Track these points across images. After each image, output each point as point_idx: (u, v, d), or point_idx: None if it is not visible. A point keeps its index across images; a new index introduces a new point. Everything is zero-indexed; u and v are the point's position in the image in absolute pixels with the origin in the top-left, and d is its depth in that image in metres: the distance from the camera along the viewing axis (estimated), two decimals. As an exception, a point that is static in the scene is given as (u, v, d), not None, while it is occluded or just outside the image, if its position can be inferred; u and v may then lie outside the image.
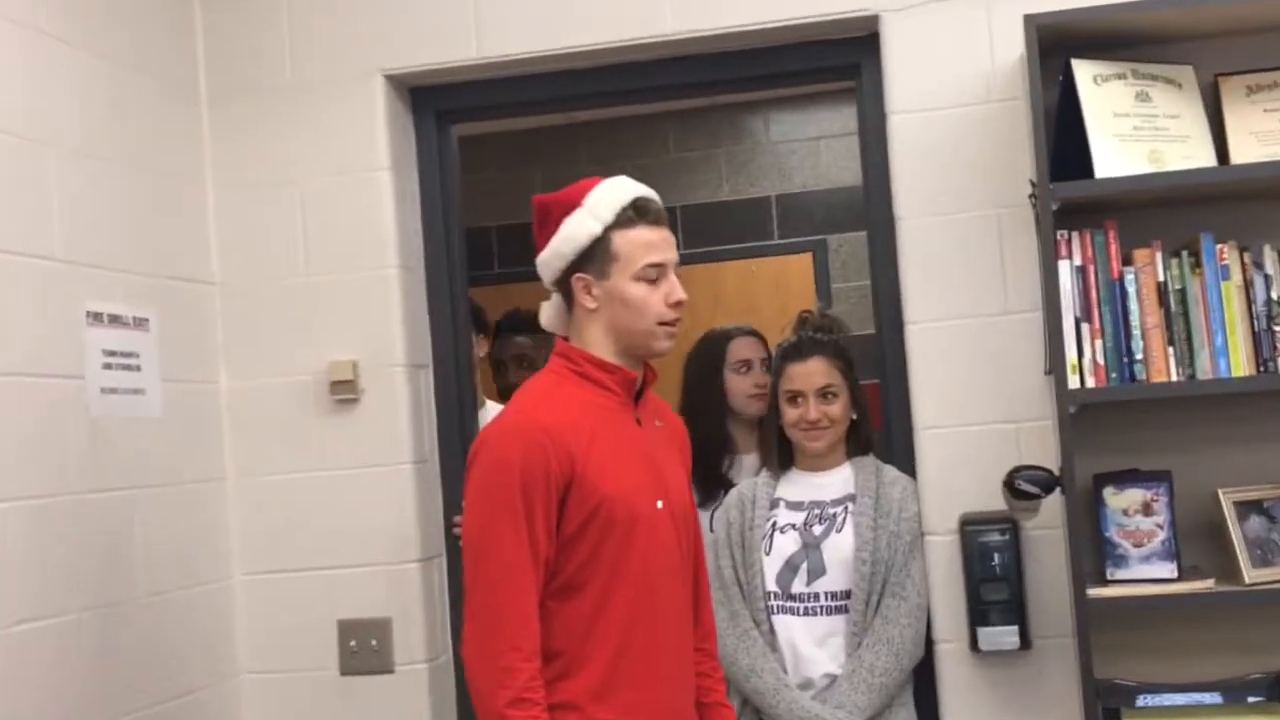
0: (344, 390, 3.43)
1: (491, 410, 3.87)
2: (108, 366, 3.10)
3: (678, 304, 2.63)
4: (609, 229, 2.59)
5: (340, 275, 3.47)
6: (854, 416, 3.33)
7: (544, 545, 2.48)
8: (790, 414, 3.32)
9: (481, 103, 3.62)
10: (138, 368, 3.19)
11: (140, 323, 3.22)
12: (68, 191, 3.03)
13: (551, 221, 2.64)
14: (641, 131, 6.46)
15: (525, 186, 6.61)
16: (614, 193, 2.64)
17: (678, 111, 6.46)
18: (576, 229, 2.60)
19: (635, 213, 2.61)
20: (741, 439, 3.91)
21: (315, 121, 3.49)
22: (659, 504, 2.61)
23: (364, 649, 3.42)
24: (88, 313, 3.05)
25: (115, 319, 3.14)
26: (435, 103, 3.60)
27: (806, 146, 6.58)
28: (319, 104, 3.49)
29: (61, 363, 2.97)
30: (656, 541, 2.59)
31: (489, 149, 6.00)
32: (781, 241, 6.50)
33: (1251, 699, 2.99)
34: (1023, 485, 2.94)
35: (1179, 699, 3.02)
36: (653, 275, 2.60)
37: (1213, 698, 3.00)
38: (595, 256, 2.59)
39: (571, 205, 2.63)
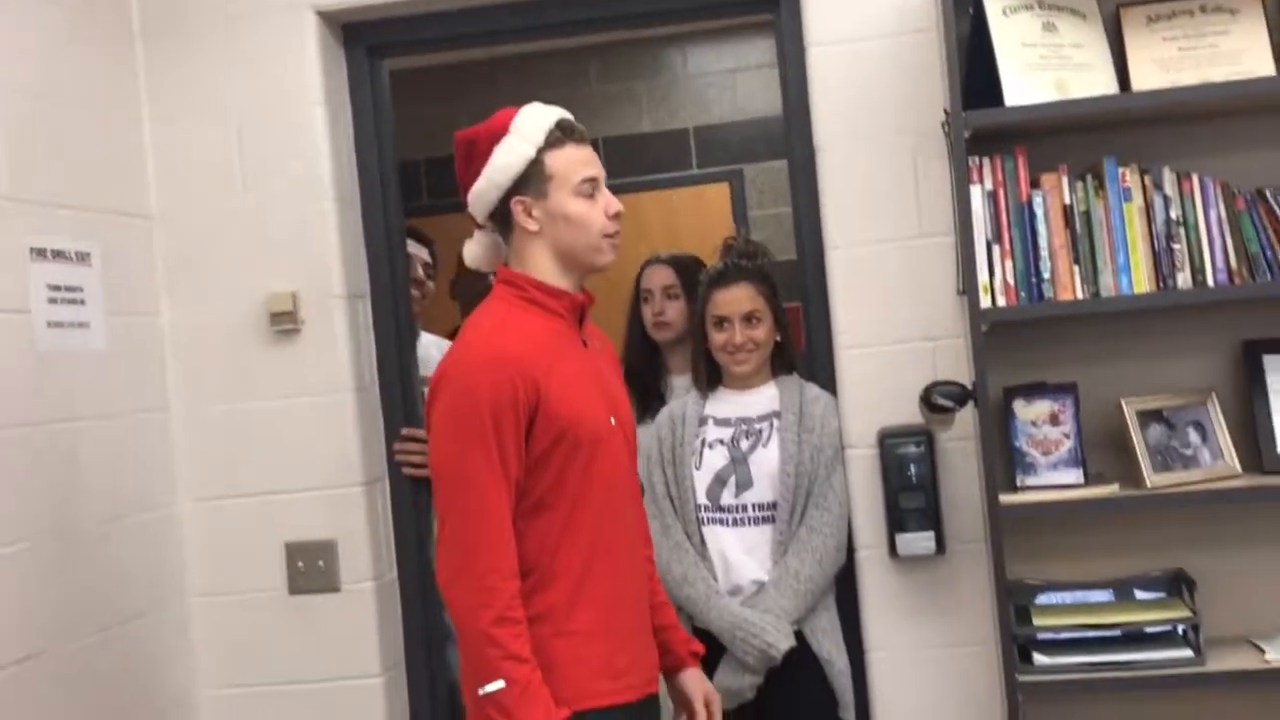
0: (284, 321, 3.44)
1: (428, 341, 3.91)
2: (53, 301, 3.10)
3: (616, 215, 2.69)
4: (541, 150, 2.63)
5: (277, 208, 3.47)
6: (778, 338, 3.42)
7: (514, 468, 2.53)
8: (717, 338, 3.40)
9: (411, 37, 3.62)
10: (82, 302, 3.19)
11: (83, 257, 3.22)
12: (7, 129, 3.02)
13: (479, 153, 2.67)
14: (563, 65, 6.46)
15: (449, 122, 6.54)
16: (538, 116, 2.68)
17: (599, 46, 6.47)
18: (509, 155, 2.63)
19: (562, 132, 2.66)
20: (675, 361, 3.99)
21: (249, 56, 3.48)
22: (612, 421, 2.68)
23: (311, 569, 3.46)
24: (31, 249, 3.05)
25: (59, 254, 3.14)
26: (366, 38, 3.59)
27: (723, 79, 6.62)
28: (252, 39, 3.48)
29: (7, 298, 2.98)
30: (614, 458, 2.67)
31: (412, 85, 5.99)
32: (700, 172, 6.56)
33: (1142, 594, 3.12)
34: (938, 399, 3.03)
35: (1073, 596, 3.15)
36: (589, 190, 2.66)
37: (1105, 594, 3.14)
38: (531, 179, 2.63)
39: (498, 134, 2.66)
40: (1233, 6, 3.06)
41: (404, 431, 3.59)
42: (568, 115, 2.71)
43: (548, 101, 2.74)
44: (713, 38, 6.53)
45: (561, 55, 6.39)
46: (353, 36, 3.60)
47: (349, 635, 3.46)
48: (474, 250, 2.80)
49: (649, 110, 6.62)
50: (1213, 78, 3.00)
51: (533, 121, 2.67)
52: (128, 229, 3.42)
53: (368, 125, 3.60)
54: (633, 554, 2.75)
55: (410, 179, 6.46)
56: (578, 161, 2.66)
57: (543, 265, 2.68)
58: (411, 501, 3.60)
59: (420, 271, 3.90)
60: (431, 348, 3.88)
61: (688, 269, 3.97)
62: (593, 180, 2.67)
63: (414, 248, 3.86)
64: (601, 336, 2.91)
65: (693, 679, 2.86)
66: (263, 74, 3.48)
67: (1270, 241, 2.99)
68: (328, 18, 3.51)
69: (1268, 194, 3.01)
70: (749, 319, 3.36)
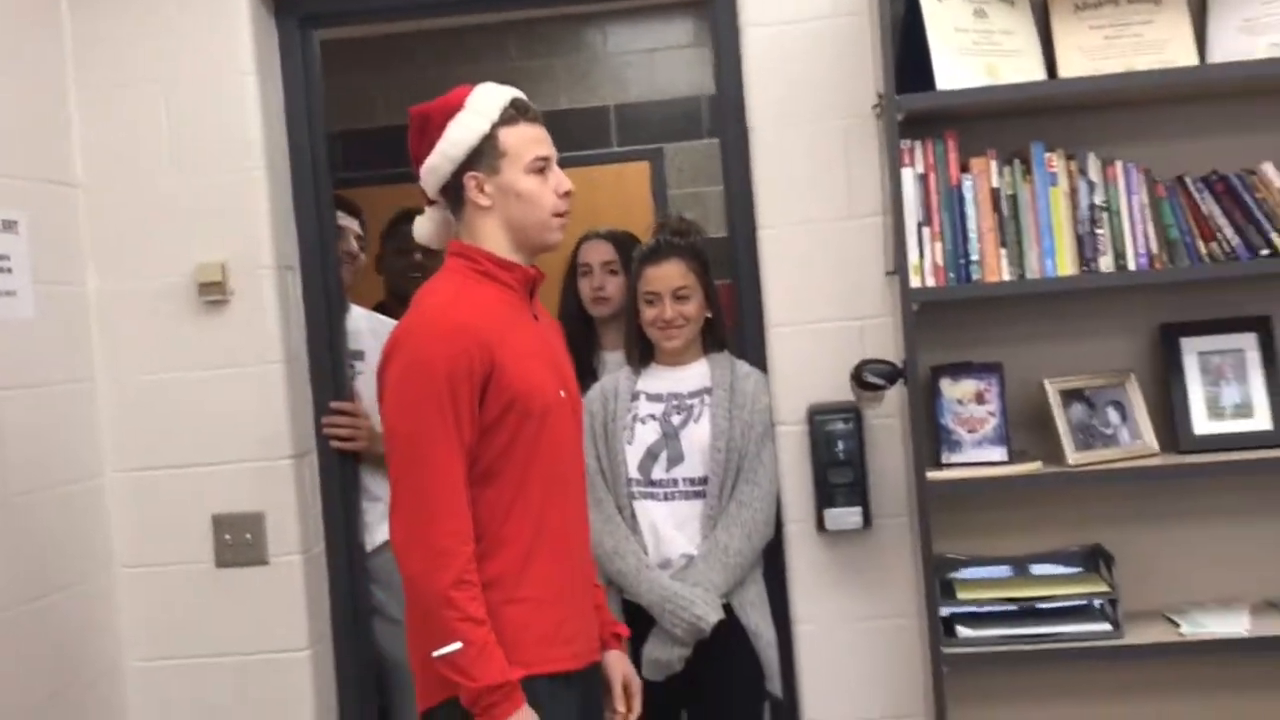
0: (213, 292, 3.41)
1: (357, 314, 3.88)
2: (-21, 268, 3.06)
3: (567, 194, 2.73)
4: (495, 126, 2.66)
5: (206, 177, 3.43)
6: (709, 315, 3.45)
7: (468, 434, 2.56)
8: (648, 313, 3.42)
9: (343, 8, 3.61)
10: (9, 270, 3.14)
11: (9, 225, 3.16)
12: (-65, 93, 2.97)
13: (434, 127, 2.69)
14: (484, 41, 6.45)
15: (368, 94, 6.56)
16: (493, 94, 2.71)
17: (519, 22, 6.46)
18: (464, 129, 2.66)
19: (516, 110, 2.70)
20: (611, 336, 4.02)
21: (178, 23, 3.43)
22: (561, 394, 2.72)
23: (238, 542, 3.44)
24: (-43, 215, 3.01)
25: (-15, 221, 3.09)
26: (298, 7, 3.56)
27: (642, 58, 6.65)
28: (183, 6, 3.43)
29: (-66, 264, 2.94)
30: (563, 429, 2.70)
31: (330, 57, 5.96)
32: (620, 150, 6.58)
33: (1061, 569, 3.20)
34: (869, 377, 3.09)
35: (995, 571, 3.21)
36: (541, 168, 2.69)
37: (1025, 569, 3.22)
38: (485, 154, 2.66)
39: (453, 109, 2.69)
40: (1157, -3, 3.14)
41: (333, 405, 3.57)
42: (522, 95, 2.74)
43: (467, 77, 2.75)
44: (633, 17, 6.55)
45: (482, 30, 6.38)
46: (284, 6, 3.56)
47: (276, 608, 3.44)
48: (425, 226, 2.82)
49: (568, 88, 6.62)
50: (1137, 66, 3.07)
51: (488, 98, 2.69)
52: (55, 197, 3.37)
53: (298, 95, 3.57)
54: (579, 524, 2.79)
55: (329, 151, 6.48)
56: (530, 139, 2.69)
57: (494, 241, 2.70)
58: (339, 475, 3.59)
59: (353, 244, 3.88)
60: (361, 320, 3.85)
61: (626, 245, 4.00)
62: (545, 159, 2.70)
63: (344, 219, 3.83)
64: (547, 314, 2.94)
65: (615, 661, 2.88)
66: (193, 41, 3.43)
67: (1189, 228, 3.07)
68: (259, -14, 3.49)
69: (1187, 181, 3.09)
70: (679, 295, 3.39)
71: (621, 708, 2.84)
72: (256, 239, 3.44)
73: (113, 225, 3.46)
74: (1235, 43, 3.08)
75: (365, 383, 3.69)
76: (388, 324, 3.86)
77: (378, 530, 3.69)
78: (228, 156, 3.43)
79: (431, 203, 2.80)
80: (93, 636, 3.38)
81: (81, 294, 3.45)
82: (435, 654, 2.51)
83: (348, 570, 3.59)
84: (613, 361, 3.92)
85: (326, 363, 3.59)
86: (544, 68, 6.62)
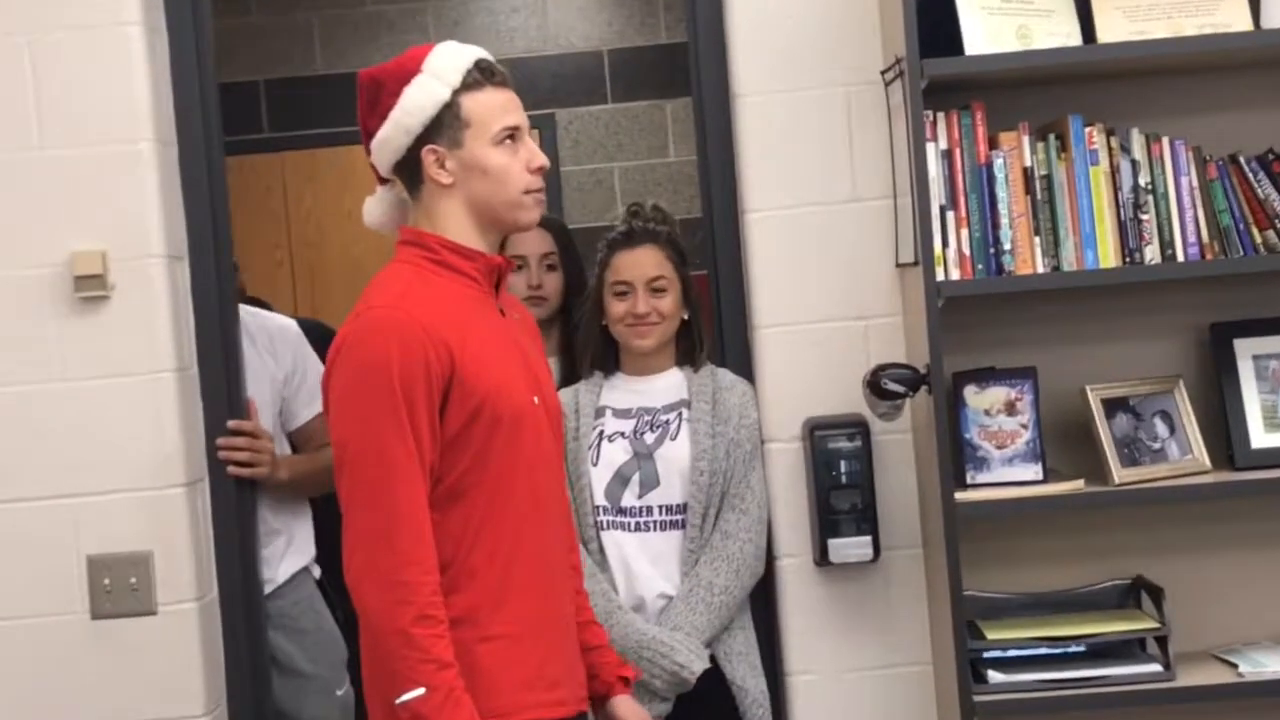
0: (91, 286, 3.31)
1: (244, 314, 3.79)
2: None
3: (540, 169, 2.71)
4: (457, 93, 2.66)
5: (82, 150, 3.32)
6: (685, 316, 3.42)
7: (428, 449, 2.54)
8: (617, 308, 3.37)
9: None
10: None
11: None
12: None
13: (386, 94, 2.67)
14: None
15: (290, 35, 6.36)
16: (455, 55, 2.72)
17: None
18: (421, 96, 2.66)
19: (481, 74, 2.70)
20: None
21: (48, -35, 3.24)
22: (535, 400, 2.69)
23: (120, 588, 3.33)
24: None
25: None
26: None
27: (531, 4, 6.52)
28: (53, -57, 3.24)
29: None
30: (538, 441, 2.70)
31: None
32: (500, 115, 6.53)
33: (1104, 603, 3.28)
34: (888, 384, 3.11)
35: (1028, 607, 3.28)
36: (509, 136, 2.68)
37: (1063, 604, 3.27)
38: (445, 125, 2.65)
39: (409, 73, 2.68)
40: (1205, -48, 3.25)
41: (231, 424, 3.47)
42: (487, 55, 2.72)
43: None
44: (517, -49, 6.50)
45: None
46: (168, -60, 3.38)
47: (167, 666, 3.33)
48: (375, 209, 2.82)
49: (437, 36, 6.50)
50: (1186, 31, 3.10)
51: (449, 60, 2.68)
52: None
53: (187, 48, 3.45)
54: (560, 549, 2.79)
55: (248, 105, 6.37)
56: (498, 107, 2.68)
57: (456, 224, 2.70)
58: (236, 505, 3.50)
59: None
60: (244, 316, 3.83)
61: (565, 236, 3.96)
62: (514, 129, 2.69)
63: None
64: (520, 308, 2.93)
65: (625, 708, 2.89)
66: (60, -14, 3.24)
67: (1243, 213, 3.11)
68: (142, -82, 3.28)
69: (1241, 160, 3.13)
70: (655, 287, 3.34)
71: None
72: (143, 223, 3.33)
73: (-32, 206, 3.26)
74: (1295, 5, 3.20)
75: (261, 393, 3.69)
76: (269, 320, 3.82)
77: (278, 568, 3.67)
78: (108, 124, 3.33)
79: (384, 181, 2.78)
80: (-55, 705, 3.21)
81: (-70, 289, 3.25)
82: (397, 701, 2.49)
83: (245, 618, 3.49)
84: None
85: (220, 372, 3.48)
86: (407, 12, 6.43)
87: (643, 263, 3.37)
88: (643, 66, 6.46)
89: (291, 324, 3.91)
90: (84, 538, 3.38)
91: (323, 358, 2.72)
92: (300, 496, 3.78)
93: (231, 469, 3.50)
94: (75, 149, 3.36)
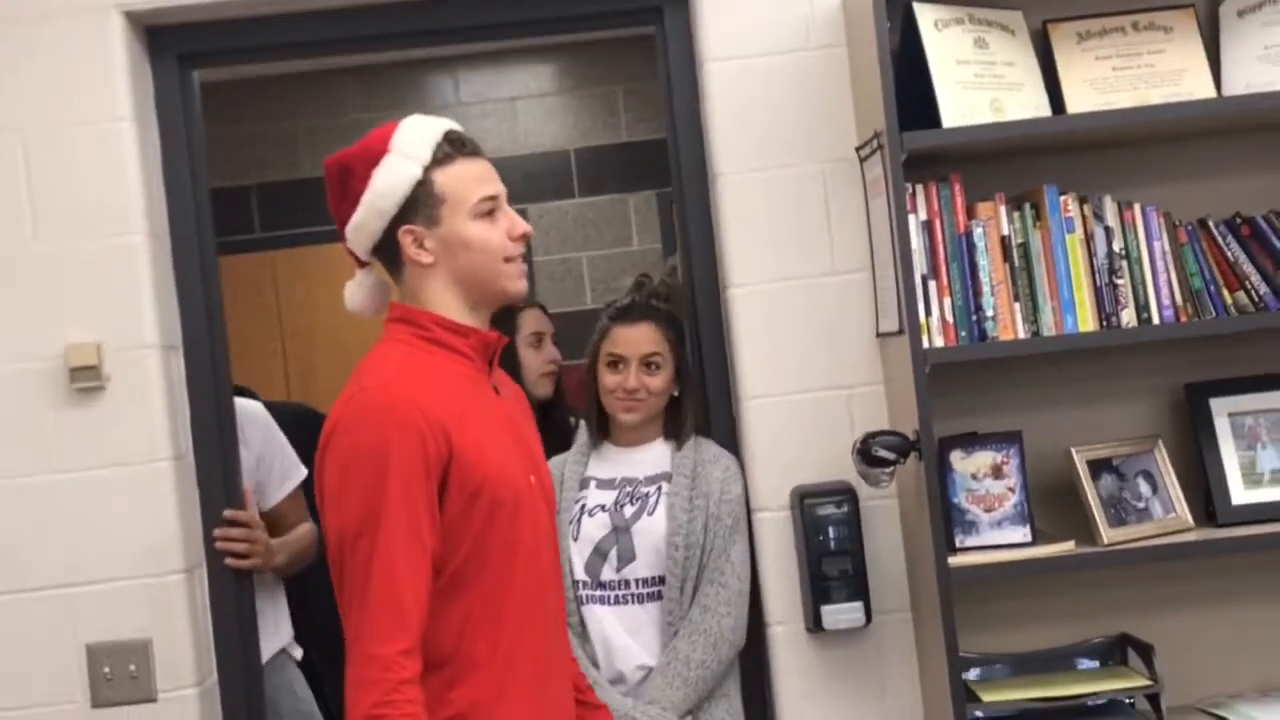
0: (86, 377, 3.25)
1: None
2: None
3: (523, 236, 2.60)
4: (428, 169, 2.53)
5: (76, 243, 3.28)
6: (675, 393, 3.37)
7: (430, 537, 2.40)
8: (609, 379, 3.33)
9: (223, 45, 3.48)
10: None
11: None
12: None
13: (356, 179, 2.55)
14: (318, 90, 6.37)
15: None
16: (422, 130, 2.58)
17: (357, 68, 6.39)
18: (392, 177, 2.53)
19: (451, 146, 2.56)
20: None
21: (41, 62, 3.28)
22: (531, 479, 2.59)
23: (120, 676, 3.26)
24: None
25: None
26: (175, 44, 3.43)
27: (501, 108, 6.66)
28: (45, 41, 3.29)
29: None
30: (535, 522, 2.56)
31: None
32: (476, 211, 6.54)
33: (1091, 662, 3.22)
34: (879, 451, 3.07)
35: (1016, 668, 3.24)
36: (488, 208, 2.56)
37: (1051, 664, 3.23)
38: (420, 203, 2.53)
39: (376, 154, 2.55)
40: (1166, 24, 3.19)
41: (227, 514, 3.42)
42: (456, 126, 2.62)
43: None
44: (489, 61, 6.54)
45: (317, 78, 6.30)
46: (160, 42, 3.42)
47: None
48: (356, 294, 2.67)
49: (414, 141, 6.58)
50: (1151, 99, 3.12)
51: (416, 136, 2.57)
52: (-106, 267, 3.17)
53: (178, 145, 3.43)
54: (558, 634, 2.66)
55: (240, 207, 6.43)
56: (473, 179, 2.57)
57: (443, 302, 2.57)
58: (234, 590, 3.43)
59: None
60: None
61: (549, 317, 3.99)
62: (492, 199, 2.57)
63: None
64: (512, 384, 2.82)
65: None
66: (58, 83, 3.29)
67: (1214, 276, 3.12)
68: (133, 19, 3.33)
69: (1210, 224, 3.14)
70: (647, 363, 3.31)
71: None
72: (137, 315, 3.29)
73: (-36, 301, 3.25)
74: (1255, 73, 3.16)
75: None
76: (238, 407, 3.70)
77: (265, 647, 3.61)
78: (101, 218, 3.29)
79: (363, 264, 2.66)
80: (-53, 800, 3.18)
81: (-73, 383, 3.22)
82: None
83: (246, 702, 3.42)
84: None
85: (216, 460, 3.43)
86: (386, 120, 6.54)
87: (639, 339, 3.34)
88: (607, 163, 6.53)
89: (259, 407, 3.86)
90: (83, 626, 3.31)
91: (313, 440, 2.59)
92: (289, 574, 3.72)
93: (229, 561, 3.45)
94: (69, 242, 3.33)
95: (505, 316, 3.80)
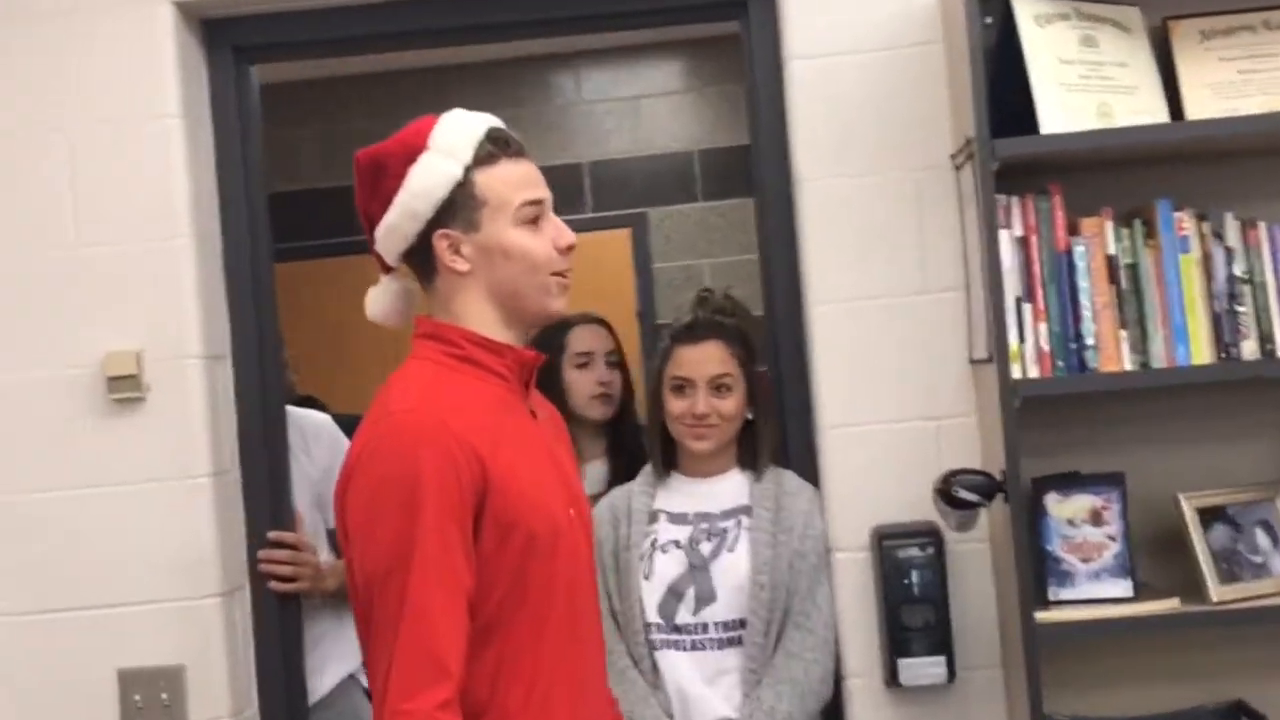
0: (125, 387, 3.10)
1: (294, 414, 3.57)
2: None
3: (569, 248, 2.39)
4: (469, 170, 2.33)
5: (120, 246, 3.13)
6: (749, 416, 3.12)
7: (466, 572, 2.20)
8: (675, 405, 3.09)
9: (286, 38, 3.30)
10: None
11: None
12: None
13: (390, 176, 2.35)
14: (428, 86, 6.15)
15: (293, 146, 6.30)
16: (464, 126, 2.38)
17: (475, 65, 6.23)
18: (430, 176, 2.33)
19: (495, 145, 2.36)
20: (586, 445, 3.71)
21: (87, 56, 3.14)
22: (571, 512, 2.37)
23: (152, 704, 3.10)
24: None
25: None
26: (232, 37, 3.26)
27: (624, 107, 6.45)
28: (92, 34, 3.14)
29: None
30: (575, 559, 2.37)
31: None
32: (596, 215, 6.35)
33: None
34: (960, 492, 2.78)
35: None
36: (532, 215, 2.35)
37: None
38: (458, 206, 2.32)
39: (413, 150, 2.35)
40: (1302, 22, 2.93)
41: (272, 535, 3.24)
42: (500, 123, 2.42)
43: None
44: (614, 58, 6.36)
45: (427, 75, 6.11)
46: (215, 35, 3.26)
47: None
48: (380, 301, 2.46)
49: (534, 142, 6.38)
50: None
51: (458, 133, 2.36)
52: (-70, 269, 3.03)
53: (233, 145, 3.26)
54: (600, 678, 2.48)
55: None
56: (516, 182, 2.36)
57: (478, 315, 2.36)
58: (279, 615, 3.25)
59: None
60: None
61: (614, 334, 3.79)
62: (537, 204, 2.37)
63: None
64: (549, 407, 2.59)
65: None
66: (105, 78, 3.14)
67: None
68: (186, 11, 3.16)
69: None
70: (717, 385, 3.07)
71: None
72: (181, 323, 3.13)
73: (2, 305, 3.16)
74: (1402, 77, 2.86)
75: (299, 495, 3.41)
76: (304, 419, 3.56)
77: (322, 678, 3.46)
78: (147, 220, 3.13)
79: (389, 269, 2.45)
80: (-34, 831, 3.04)
81: (-42, 391, 3.11)
82: None
83: None
84: (594, 475, 3.62)
85: (264, 476, 3.25)
86: (505, 120, 6.37)
87: (705, 359, 3.10)
88: (731, 165, 6.25)
89: (326, 419, 3.70)
90: (115, 651, 3.15)
91: None
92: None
93: (273, 584, 3.28)
94: (111, 246, 3.17)
95: (552, 333, 3.54)
